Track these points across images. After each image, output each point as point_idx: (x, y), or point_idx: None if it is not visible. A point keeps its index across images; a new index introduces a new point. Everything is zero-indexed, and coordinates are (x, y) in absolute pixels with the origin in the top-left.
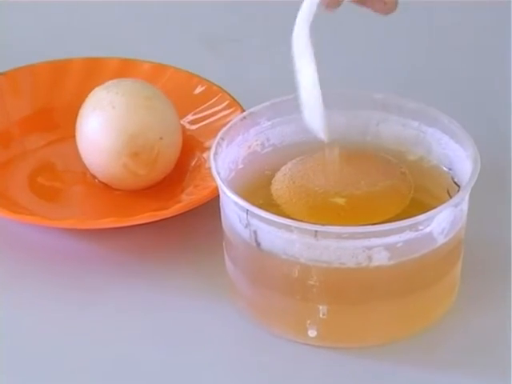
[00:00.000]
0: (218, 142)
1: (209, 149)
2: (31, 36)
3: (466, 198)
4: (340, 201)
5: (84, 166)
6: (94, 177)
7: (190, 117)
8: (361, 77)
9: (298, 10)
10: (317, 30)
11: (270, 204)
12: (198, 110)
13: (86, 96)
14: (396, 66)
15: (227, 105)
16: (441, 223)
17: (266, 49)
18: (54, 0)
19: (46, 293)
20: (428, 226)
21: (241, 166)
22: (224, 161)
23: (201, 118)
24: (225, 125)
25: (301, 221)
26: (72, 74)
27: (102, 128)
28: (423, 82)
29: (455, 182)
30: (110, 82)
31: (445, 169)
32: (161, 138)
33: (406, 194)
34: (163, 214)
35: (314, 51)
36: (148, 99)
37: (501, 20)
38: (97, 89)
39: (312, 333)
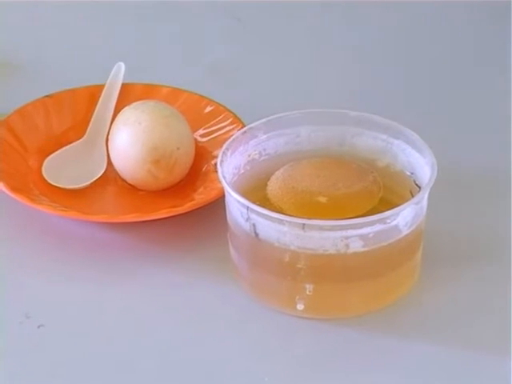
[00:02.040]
0: (224, 152)
1: (216, 157)
2: (71, 63)
3: (426, 197)
4: (323, 199)
5: (115, 170)
6: (123, 180)
7: (201, 131)
8: (340, 96)
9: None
10: (300, 53)
11: (266, 202)
12: (207, 125)
13: (117, 114)
14: (368, 87)
15: (231, 121)
16: (405, 218)
17: (262, 75)
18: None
19: (81, 275)
20: (394, 219)
21: (242, 171)
22: (229, 167)
23: (210, 132)
24: (229, 138)
25: (291, 215)
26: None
27: (129, 140)
28: (391, 100)
29: (416, 184)
30: (136, 103)
31: (408, 173)
32: (178, 148)
33: (376, 194)
34: (179, 210)
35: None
36: (166, 117)
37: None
38: (125, 108)
39: (300, 306)
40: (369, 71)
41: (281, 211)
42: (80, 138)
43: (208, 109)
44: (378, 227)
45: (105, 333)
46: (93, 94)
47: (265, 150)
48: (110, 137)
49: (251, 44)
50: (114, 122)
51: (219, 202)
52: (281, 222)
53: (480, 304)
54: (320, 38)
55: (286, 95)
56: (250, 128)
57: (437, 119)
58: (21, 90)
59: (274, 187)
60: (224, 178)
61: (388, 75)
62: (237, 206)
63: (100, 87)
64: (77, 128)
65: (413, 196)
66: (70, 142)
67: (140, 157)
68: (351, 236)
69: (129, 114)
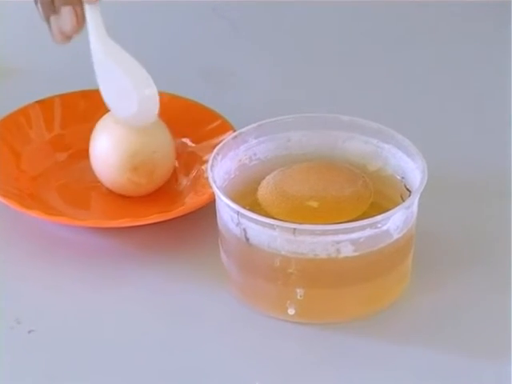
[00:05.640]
0: (214, 157)
1: (207, 162)
2: (59, 65)
3: (416, 201)
4: (313, 204)
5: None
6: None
7: (192, 136)
8: (331, 101)
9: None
10: (291, 57)
11: (256, 206)
12: (197, 130)
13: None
14: (359, 91)
15: (221, 126)
16: (395, 222)
17: (253, 80)
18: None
19: (72, 280)
20: (385, 224)
21: (232, 176)
22: (219, 172)
23: (200, 136)
24: (219, 142)
25: (282, 220)
26: (96, 102)
27: (107, 150)
28: (382, 105)
29: (407, 189)
30: None
31: (398, 178)
32: (154, 152)
33: (367, 199)
34: (169, 214)
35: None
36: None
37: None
38: (104, 116)
39: (291, 311)
40: (361, 75)
41: (271, 216)
42: (71, 145)
43: (199, 113)
44: (368, 232)
45: (96, 338)
46: (84, 98)
47: (255, 154)
48: (90, 144)
49: (242, 48)
50: (94, 130)
51: (210, 207)
52: (271, 226)
53: (472, 307)
54: (311, 42)
55: (276, 100)
56: (241, 133)
57: (429, 123)
58: (10, 94)
59: (264, 192)
60: (214, 182)
61: (380, 79)
62: (227, 210)
63: (91, 92)
64: (68, 133)
65: (403, 200)
66: (62, 147)
67: (118, 165)
68: (342, 241)
69: (105, 121)
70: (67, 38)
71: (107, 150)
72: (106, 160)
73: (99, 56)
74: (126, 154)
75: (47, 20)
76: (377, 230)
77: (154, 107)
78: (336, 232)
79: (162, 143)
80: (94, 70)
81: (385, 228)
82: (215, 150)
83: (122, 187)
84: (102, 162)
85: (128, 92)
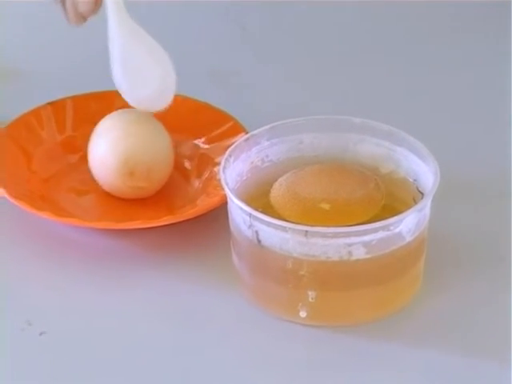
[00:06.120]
0: (227, 159)
1: (219, 164)
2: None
3: (428, 203)
4: (325, 206)
5: None
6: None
7: (204, 138)
8: (343, 103)
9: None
10: (303, 59)
11: (268, 209)
12: (210, 131)
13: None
14: (371, 93)
15: (233, 128)
16: (408, 224)
17: (264, 82)
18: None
19: (83, 282)
20: (397, 226)
21: (245, 178)
22: (231, 174)
23: (212, 138)
24: (232, 144)
25: (294, 222)
26: (108, 104)
27: (102, 155)
28: (393, 107)
29: (419, 191)
30: (113, 113)
31: (411, 180)
32: (146, 154)
33: (379, 201)
34: (181, 216)
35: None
36: (132, 124)
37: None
38: (102, 120)
39: (303, 314)
40: (372, 77)
41: (283, 218)
42: (82, 146)
43: (210, 115)
44: (381, 234)
45: (106, 340)
46: (95, 100)
47: (267, 156)
48: (88, 150)
49: (254, 49)
50: (93, 132)
51: (222, 209)
52: (283, 229)
53: (484, 311)
54: (324, 43)
55: (289, 101)
56: (253, 135)
57: (439, 124)
58: (22, 96)
59: (276, 194)
60: (227, 184)
61: (391, 81)
62: (239, 212)
63: (103, 94)
64: (80, 135)
65: (416, 203)
66: (73, 149)
67: (114, 171)
68: (354, 243)
69: (103, 125)
70: (83, 18)
71: (103, 155)
72: (103, 164)
73: (117, 32)
74: (119, 158)
75: (62, 1)
76: (389, 233)
77: (172, 88)
78: (348, 234)
79: (155, 143)
80: (106, 72)
81: (397, 230)
82: (227, 152)
83: (122, 192)
84: (98, 166)
85: (148, 68)
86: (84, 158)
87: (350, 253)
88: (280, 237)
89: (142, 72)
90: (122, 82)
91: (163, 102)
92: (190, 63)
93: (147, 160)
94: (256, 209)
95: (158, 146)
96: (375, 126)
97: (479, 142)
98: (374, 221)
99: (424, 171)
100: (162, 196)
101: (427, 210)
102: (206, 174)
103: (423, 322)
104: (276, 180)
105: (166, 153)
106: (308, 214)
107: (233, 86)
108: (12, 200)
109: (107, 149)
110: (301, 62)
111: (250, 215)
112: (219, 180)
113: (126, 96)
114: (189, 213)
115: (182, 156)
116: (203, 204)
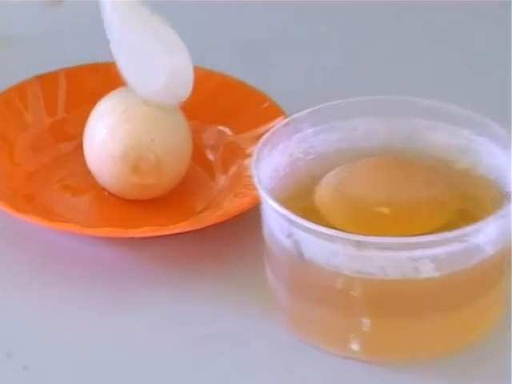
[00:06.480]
0: (260, 149)
1: (250, 156)
2: (67, 38)
3: None
4: (384, 210)
5: None
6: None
7: (231, 123)
8: (406, 82)
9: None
10: (347, 39)
11: (312, 213)
12: (239, 115)
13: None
14: (443, 70)
15: (269, 110)
16: (488, 235)
17: (307, 55)
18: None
19: (74, 301)
20: (475, 237)
21: (282, 174)
22: (266, 168)
23: (242, 123)
24: (267, 131)
25: (344, 231)
26: (109, 78)
27: (103, 144)
28: (474, 89)
29: (503, 193)
30: (116, 91)
31: (493, 179)
32: (152, 140)
33: (451, 205)
34: (205, 221)
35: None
36: (124, 111)
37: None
38: (102, 99)
39: (355, 346)
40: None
41: (331, 225)
42: (77, 132)
43: (240, 94)
44: (454, 246)
45: (105, 377)
46: (94, 73)
47: (312, 147)
48: (84, 137)
49: (293, 19)
50: (91, 115)
51: (253, 213)
52: (331, 238)
53: None
54: (377, 16)
55: (337, 79)
56: (294, 119)
57: None
58: (4, 67)
59: (322, 195)
60: (260, 182)
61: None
62: (276, 217)
63: (103, 66)
64: (74, 117)
65: (498, 208)
66: (66, 136)
67: (115, 165)
68: (420, 257)
69: (103, 106)
70: None
71: (100, 148)
72: (104, 157)
73: (117, 16)
74: (118, 152)
75: None
76: (465, 245)
77: (188, 80)
78: (413, 246)
79: (167, 128)
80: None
81: (475, 242)
82: (261, 141)
83: (128, 193)
84: (97, 162)
85: (156, 60)
86: (79, 148)
87: (414, 269)
88: (326, 249)
89: (147, 66)
90: (127, 74)
91: (177, 96)
92: (216, 31)
93: (156, 150)
94: (296, 213)
95: (172, 133)
96: (450, 110)
97: None
98: (445, 229)
99: (509, 168)
100: (176, 196)
101: None
102: (233, 169)
103: (506, 355)
104: (322, 177)
105: (182, 141)
106: (362, 220)
107: (267, 60)
108: None
109: (108, 136)
110: (353, 29)
111: (289, 221)
112: (250, 176)
113: (136, 90)
114: (212, 218)
115: (204, 145)
116: (230, 207)
